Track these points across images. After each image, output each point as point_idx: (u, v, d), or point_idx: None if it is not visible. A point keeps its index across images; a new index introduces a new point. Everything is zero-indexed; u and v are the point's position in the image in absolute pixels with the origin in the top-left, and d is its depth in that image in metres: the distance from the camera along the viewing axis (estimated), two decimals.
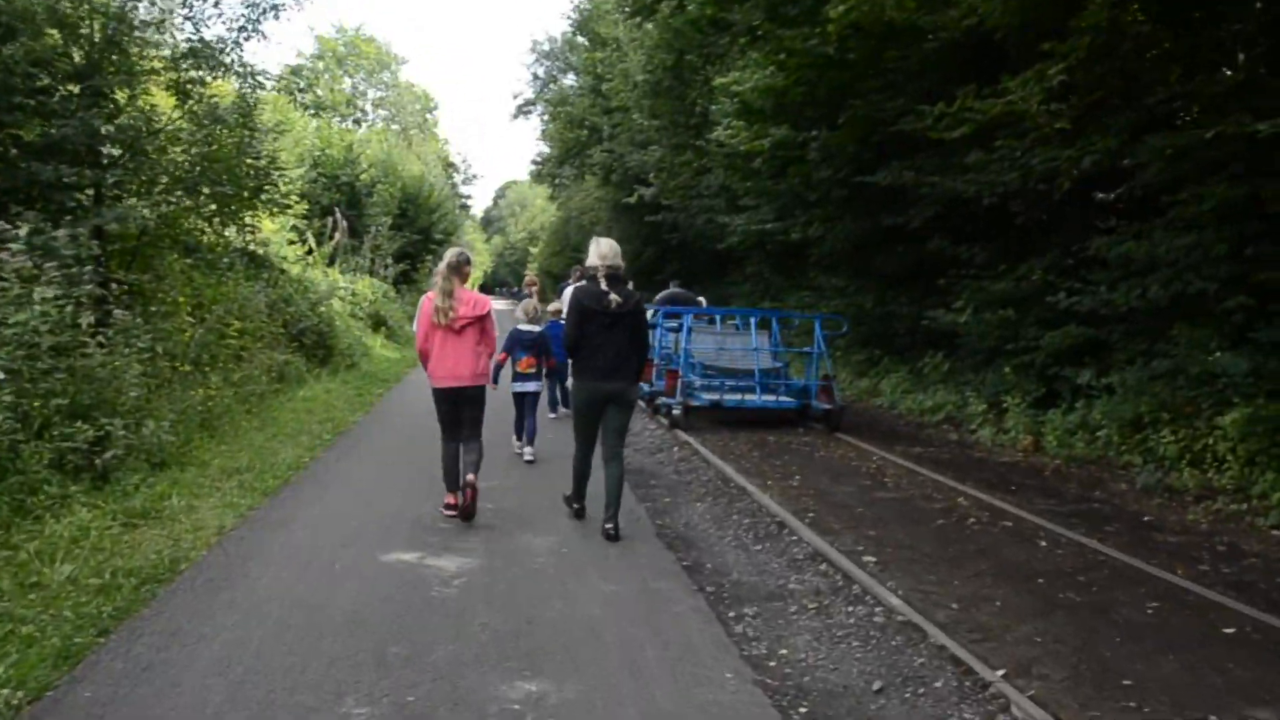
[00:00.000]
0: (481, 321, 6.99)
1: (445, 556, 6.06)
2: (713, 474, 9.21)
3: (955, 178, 13.03)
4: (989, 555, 6.55)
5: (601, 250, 6.76)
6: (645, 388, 13.30)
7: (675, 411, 11.54)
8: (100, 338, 7.95)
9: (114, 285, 9.46)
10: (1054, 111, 10.08)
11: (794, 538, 6.88)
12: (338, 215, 25.77)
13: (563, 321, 8.50)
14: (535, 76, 55.96)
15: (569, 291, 9.83)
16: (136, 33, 10.60)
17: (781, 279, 24.44)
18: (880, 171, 14.38)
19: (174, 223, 12.07)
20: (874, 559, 6.36)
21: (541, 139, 54.02)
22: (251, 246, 16.40)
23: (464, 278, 7.05)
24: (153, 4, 11.16)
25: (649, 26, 26.44)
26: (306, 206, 23.56)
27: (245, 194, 15.76)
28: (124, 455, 7.32)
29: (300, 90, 16.84)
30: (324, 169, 27.72)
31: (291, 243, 22.03)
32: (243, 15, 11.87)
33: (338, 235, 24.57)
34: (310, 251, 22.85)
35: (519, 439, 9.69)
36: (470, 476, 6.90)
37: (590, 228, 41.69)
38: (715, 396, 12.00)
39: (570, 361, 6.93)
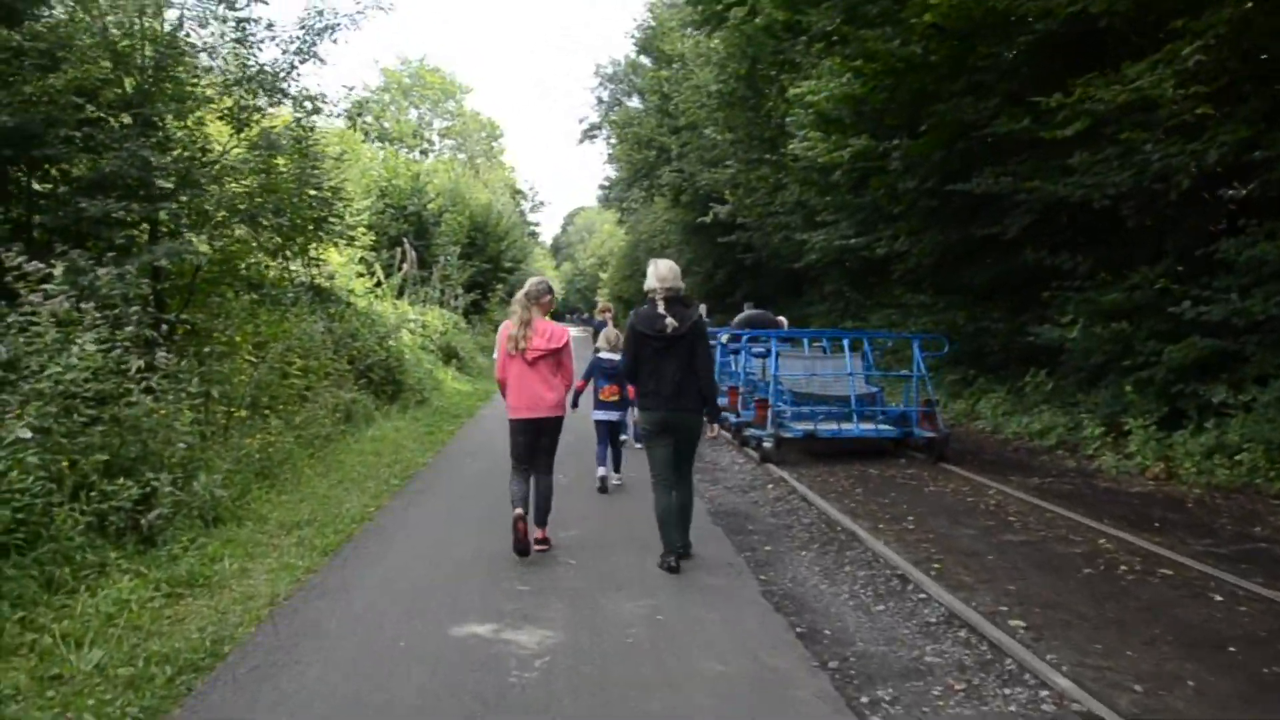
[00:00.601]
0: (557, 354, 6.80)
1: (524, 629, 5.26)
2: (815, 516, 8.33)
3: (1057, 181, 12.01)
4: (1159, 615, 5.56)
5: (660, 272, 6.46)
6: (731, 418, 12.47)
7: (766, 444, 10.69)
8: (148, 383, 7.33)
9: (164, 326, 8.87)
10: (1192, 95, 9.05)
11: (921, 595, 5.97)
12: (406, 246, 25.39)
13: None
14: (600, 100, 55.85)
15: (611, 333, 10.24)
16: (187, 58, 10.09)
17: (862, 297, 23.47)
18: (974, 179, 13.36)
19: (232, 257, 11.57)
20: (1022, 623, 5.42)
21: (608, 163, 53.78)
22: (317, 280, 15.93)
23: (544, 308, 6.91)
24: (204, 26, 10.64)
25: (715, 42, 25.91)
26: (374, 238, 23.21)
27: (308, 225, 15.44)
28: (172, 514, 6.68)
29: (359, 116, 16.16)
30: (391, 199, 27.46)
31: (359, 275, 21.66)
32: (297, 38, 11.33)
33: (405, 266, 24.12)
34: (379, 284, 22.46)
35: (601, 466, 9.47)
36: (540, 533, 6.91)
37: (661, 250, 41.03)
38: (809, 426, 11.10)
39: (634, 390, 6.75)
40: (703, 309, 8.59)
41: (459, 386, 20.51)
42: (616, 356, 8.90)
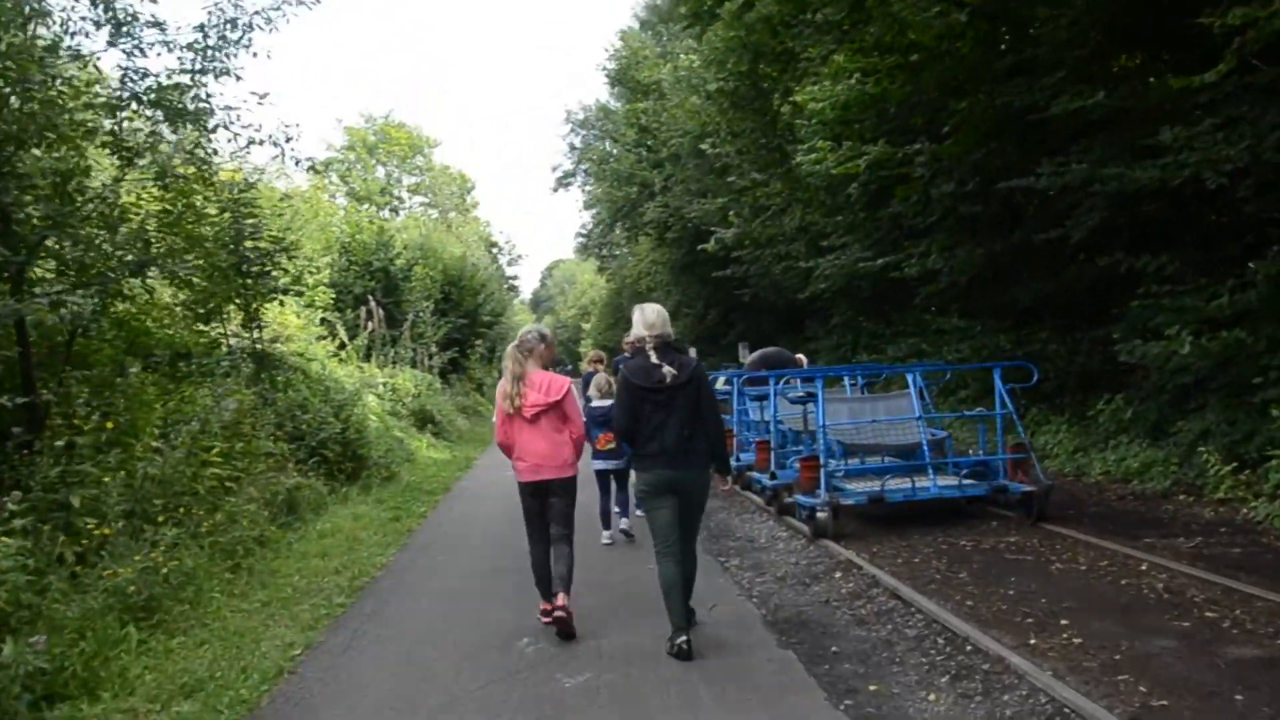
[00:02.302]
0: (559, 407, 6.24)
1: None
2: (922, 623, 5.91)
3: (1146, 166, 9.80)
4: None
5: (648, 318, 5.84)
6: (763, 479, 10.13)
7: (820, 514, 8.29)
8: None
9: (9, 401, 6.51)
10: None
11: None
12: (372, 304, 23.08)
13: None
14: (572, 147, 53.99)
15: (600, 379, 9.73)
16: (46, 68, 7.76)
17: (880, 326, 21.14)
18: (1036, 174, 11.09)
19: (130, 319, 9.23)
20: None
21: (585, 209, 51.83)
22: (260, 345, 13.58)
23: (541, 359, 6.41)
24: (67, 31, 8.33)
25: (694, 60, 23.83)
26: (332, 295, 20.90)
27: (244, 280, 13.10)
28: None
29: (320, 171, 13.80)
30: (355, 256, 25.19)
31: (321, 338, 19.34)
32: (201, 41, 9.04)
33: (371, 325, 21.78)
34: (343, 346, 20.13)
35: (606, 528, 9.02)
36: (560, 598, 6.09)
37: (647, 293, 38.85)
38: (873, 488, 8.72)
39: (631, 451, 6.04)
40: (692, 353, 8.46)
41: (435, 455, 18.07)
42: (608, 403, 8.49)
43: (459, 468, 16.95)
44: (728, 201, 22.84)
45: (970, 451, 9.83)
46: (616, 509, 9.17)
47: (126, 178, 9.05)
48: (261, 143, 10.08)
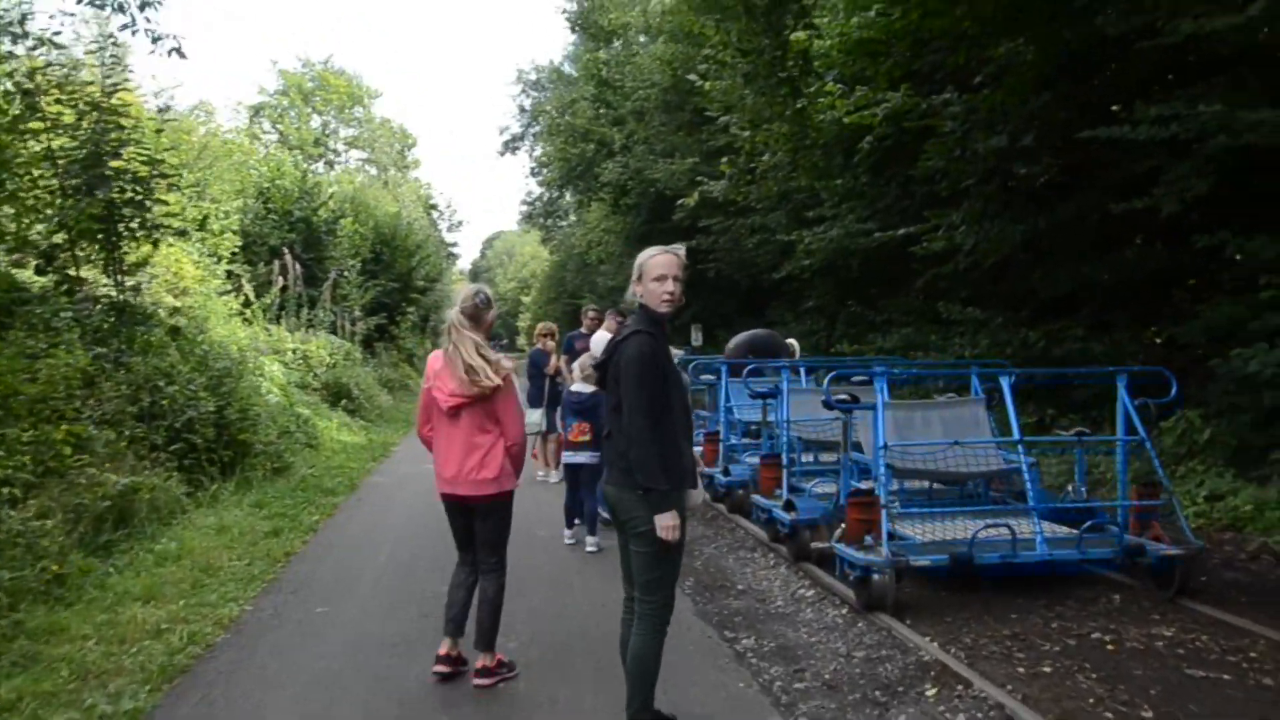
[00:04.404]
0: (488, 403, 4.72)
1: None
2: None
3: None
4: None
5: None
6: (775, 510, 7.54)
7: (876, 577, 5.68)
8: None
9: None
10: None
11: None
12: (288, 258, 20.05)
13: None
14: (522, 109, 50.96)
15: (600, 339, 9.39)
16: None
17: (867, 312, 18.43)
18: (1134, 121, 8.55)
19: None
20: None
21: (531, 176, 48.97)
22: (122, 295, 10.68)
23: (485, 328, 4.89)
24: None
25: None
26: (239, 244, 17.92)
27: (111, 210, 10.23)
28: None
29: (170, 45, 10.67)
30: (273, 202, 22.07)
31: (223, 293, 16.42)
32: None
33: (280, 280, 18.80)
34: (248, 304, 17.19)
35: (569, 527, 8.20)
36: (482, 660, 4.78)
37: (596, 266, 36.14)
38: (960, 548, 5.87)
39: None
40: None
41: (346, 438, 15.18)
42: (588, 389, 7.80)
43: (373, 455, 14.13)
44: (699, 162, 20.10)
45: (1068, 491, 7.23)
46: (577, 521, 8.18)
47: None
48: (104, 5, 7.23)
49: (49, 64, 10.10)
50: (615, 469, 4.00)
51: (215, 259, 16.75)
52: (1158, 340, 11.48)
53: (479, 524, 4.87)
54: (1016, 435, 6.57)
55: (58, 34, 9.41)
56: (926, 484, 7.45)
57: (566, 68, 42.05)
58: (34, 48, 10.23)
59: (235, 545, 7.70)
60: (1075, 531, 6.11)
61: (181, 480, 8.77)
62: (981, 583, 6.23)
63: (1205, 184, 8.70)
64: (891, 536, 5.82)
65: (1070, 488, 7.22)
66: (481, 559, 4.92)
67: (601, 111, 28.30)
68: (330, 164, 49.61)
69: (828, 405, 6.69)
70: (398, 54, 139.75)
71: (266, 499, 9.54)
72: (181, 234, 12.71)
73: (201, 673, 4.99)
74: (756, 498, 8.17)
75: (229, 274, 17.27)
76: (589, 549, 7.77)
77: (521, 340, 69.57)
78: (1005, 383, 6.86)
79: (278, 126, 46.78)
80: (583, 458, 7.98)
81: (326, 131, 52.00)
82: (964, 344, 13.64)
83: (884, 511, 5.79)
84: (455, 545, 5.04)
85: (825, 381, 7.04)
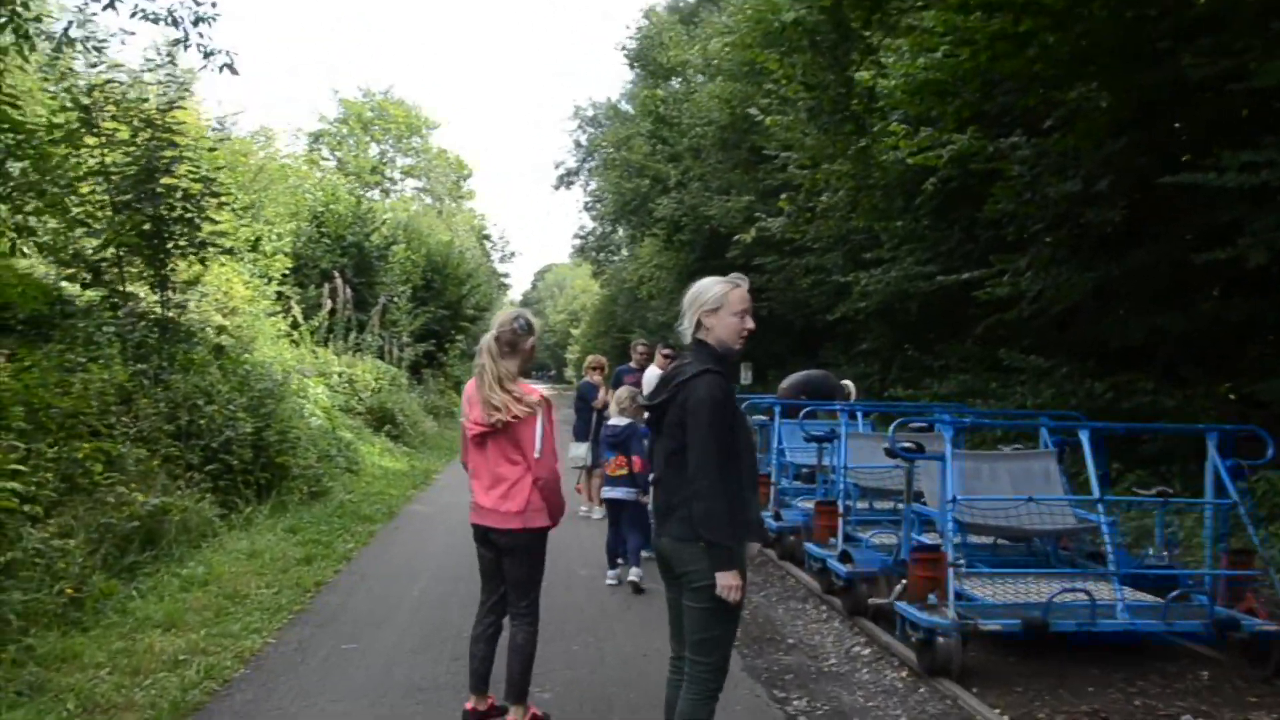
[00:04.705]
0: (512, 432, 4.39)
1: None
2: None
3: None
4: None
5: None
6: (831, 560, 7.10)
7: (941, 640, 5.25)
8: None
9: None
10: None
11: None
12: (338, 282, 20.01)
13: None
14: (578, 144, 50.97)
15: (653, 376, 9.40)
16: None
17: (925, 357, 17.96)
18: (1219, 169, 8.12)
19: None
20: None
21: (585, 210, 48.96)
22: (168, 311, 10.54)
23: (524, 357, 4.54)
24: None
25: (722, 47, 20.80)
26: (290, 266, 17.94)
27: (161, 226, 10.13)
28: None
29: (222, 62, 10.44)
30: (326, 226, 22.10)
31: (272, 314, 16.42)
32: None
33: (328, 303, 18.75)
34: (296, 326, 17.17)
35: (613, 567, 7.82)
36: (513, 714, 4.44)
37: (647, 301, 35.90)
38: (1033, 609, 5.44)
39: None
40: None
41: (388, 464, 14.95)
42: (624, 421, 7.71)
43: (414, 483, 13.87)
44: (755, 200, 19.83)
45: (1148, 554, 6.73)
46: (620, 561, 7.85)
47: None
48: (157, 19, 7.10)
49: (108, 81, 10.08)
50: (672, 519, 3.60)
51: (266, 279, 16.78)
52: (1232, 396, 11.00)
53: (506, 561, 4.53)
54: (1096, 493, 6.09)
55: (104, 42, 9.39)
56: (991, 539, 7.03)
57: (624, 105, 42.06)
58: (94, 65, 10.24)
59: (265, 571, 7.43)
60: (1160, 600, 5.62)
61: (215, 502, 8.53)
62: (1052, 649, 5.77)
63: None
64: (959, 596, 5.39)
65: (1151, 551, 6.73)
66: (511, 602, 4.58)
67: (658, 147, 28.23)
68: (386, 192, 50.08)
69: (890, 453, 6.29)
70: (459, 87, 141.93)
71: (301, 524, 9.29)
72: (229, 252, 12.58)
73: (215, 712, 4.69)
74: (810, 545, 7.74)
75: (279, 295, 17.30)
76: (631, 578, 7.51)
77: (570, 372, 69.52)
78: (1084, 436, 6.39)
79: (336, 153, 47.32)
80: (619, 493, 7.77)
81: (384, 160, 52.60)
82: (1025, 392, 13.13)
83: (951, 570, 5.36)
84: (481, 583, 4.73)
85: (891, 428, 6.62)
